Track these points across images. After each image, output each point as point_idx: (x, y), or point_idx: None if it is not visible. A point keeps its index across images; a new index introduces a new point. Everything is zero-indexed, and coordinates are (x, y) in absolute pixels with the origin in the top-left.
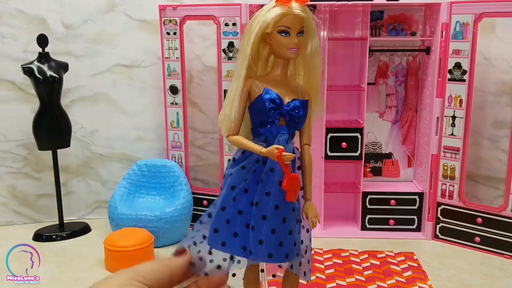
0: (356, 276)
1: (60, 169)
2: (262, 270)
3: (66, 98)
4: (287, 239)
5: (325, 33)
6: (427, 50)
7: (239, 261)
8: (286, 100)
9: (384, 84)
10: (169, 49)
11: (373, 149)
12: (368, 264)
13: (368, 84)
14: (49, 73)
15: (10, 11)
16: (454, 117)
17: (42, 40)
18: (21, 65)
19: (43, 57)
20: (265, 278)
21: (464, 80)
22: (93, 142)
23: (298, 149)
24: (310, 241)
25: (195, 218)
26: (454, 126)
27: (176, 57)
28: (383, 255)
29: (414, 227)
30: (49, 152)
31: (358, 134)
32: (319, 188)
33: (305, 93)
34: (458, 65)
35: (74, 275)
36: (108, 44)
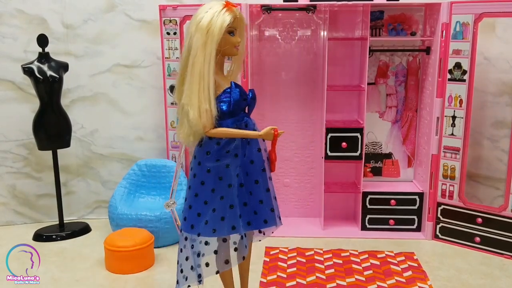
0: (356, 276)
1: (60, 169)
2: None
3: (66, 98)
4: (274, 205)
5: (325, 33)
6: (427, 50)
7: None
8: None
9: (384, 84)
10: (169, 49)
11: (373, 149)
12: (368, 264)
13: (368, 84)
14: (49, 73)
15: (10, 11)
16: (454, 117)
17: (42, 40)
18: (21, 65)
19: (43, 57)
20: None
21: (464, 80)
22: (93, 142)
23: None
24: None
25: None
26: (454, 126)
27: (176, 57)
28: (383, 255)
29: (414, 227)
30: (49, 152)
31: (358, 134)
32: (319, 188)
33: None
34: (458, 65)
35: (74, 275)
36: (108, 44)
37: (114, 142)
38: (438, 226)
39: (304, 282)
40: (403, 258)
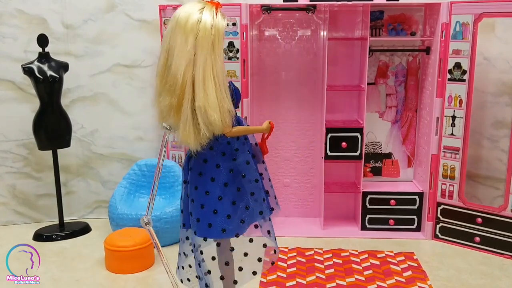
0: (356, 276)
1: (60, 169)
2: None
3: (66, 98)
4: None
5: (325, 33)
6: (427, 50)
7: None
8: None
9: (384, 84)
10: None
11: (373, 149)
12: (368, 264)
13: (368, 84)
14: (49, 73)
15: (10, 11)
16: (454, 117)
17: (42, 40)
18: (21, 65)
19: (43, 57)
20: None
21: (464, 80)
22: (93, 142)
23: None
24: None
25: None
26: (454, 126)
27: None
28: (383, 255)
29: (414, 227)
30: (49, 152)
31: (358, 134)
32: (319, 188)
33: None
34: (458, 65)
35: (74, 275)
36: (108, 44)
37: (114, 142)
38: (438, 226)
39: (304, 282)
40: (403, 258)
